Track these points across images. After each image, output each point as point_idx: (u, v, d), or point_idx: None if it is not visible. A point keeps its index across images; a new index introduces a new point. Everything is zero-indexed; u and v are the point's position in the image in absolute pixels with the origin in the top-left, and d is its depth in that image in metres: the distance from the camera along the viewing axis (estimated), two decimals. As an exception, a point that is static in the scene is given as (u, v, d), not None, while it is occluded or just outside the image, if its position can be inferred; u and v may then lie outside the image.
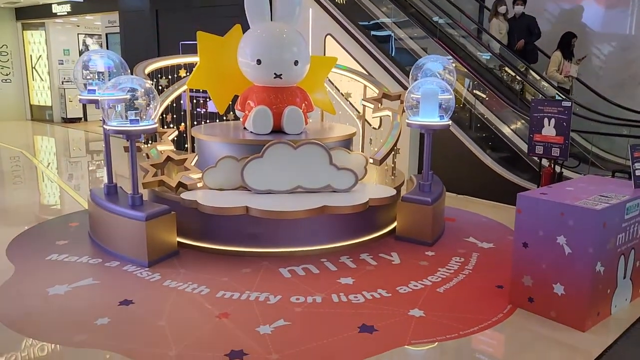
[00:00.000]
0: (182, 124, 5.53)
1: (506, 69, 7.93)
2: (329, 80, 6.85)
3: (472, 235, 4.88)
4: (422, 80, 4.83)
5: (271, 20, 4.85)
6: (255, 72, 4.80)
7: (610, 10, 7.76)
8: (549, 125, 5.27)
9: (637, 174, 3.58)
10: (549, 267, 3.24)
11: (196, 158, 4.82)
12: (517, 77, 7.34)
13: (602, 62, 7.73)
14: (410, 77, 5.14)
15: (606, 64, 7.67)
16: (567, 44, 7.10)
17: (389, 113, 5.29)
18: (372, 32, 7.96)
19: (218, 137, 4.70)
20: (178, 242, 4.26)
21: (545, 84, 7.10)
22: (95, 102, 4.22)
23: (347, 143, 5.03)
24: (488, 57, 8.45)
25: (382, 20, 8.44)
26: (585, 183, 3.72)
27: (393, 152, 5.15)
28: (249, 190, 4.33)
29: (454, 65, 5.25)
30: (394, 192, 4.61)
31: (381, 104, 5.50)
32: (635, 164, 3.59)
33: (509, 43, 7.63)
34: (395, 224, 4.82)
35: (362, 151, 5.69)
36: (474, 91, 7.25)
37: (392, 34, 8.24)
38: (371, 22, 8.47)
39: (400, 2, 8.56)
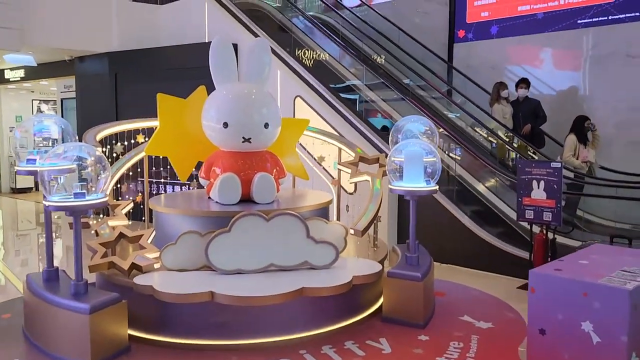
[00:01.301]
0: (140, 194, 4.96)
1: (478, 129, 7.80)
2: (301, 144, 6.47)
3: (467, 312, 4.36)
4: (405, 142, 4.45)
5: (238, 81, 4.47)
6: (221, 136, 4.34)
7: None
8: (539, 188, 4.94)
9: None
10: (572, 358, 2.74)
11: (153, 234, 4.23)
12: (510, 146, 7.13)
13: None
14: (390, 139, 4.77)
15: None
16: (580, 127, 6.64)
17: (368, 178, 4.87)
18: (343, 95, 7.73)
19: (179, 209, 4.14)
20: (130, 335, 3.59)
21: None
22: (35, 174, 3.64)
23: (323, 212, 4.54)
24: (457, 115, 8.32)
25: (353, 83, 8.26)
26: (597, 254, 3.31)
27: (374, 221, 4.68)
28: (214, 271, 3.75)
29: (434, 125, 4.92)
30: (379, 267, 4.10)
31: (358, 168, 5.09)
32: (652, 232, 3.21)
33: (513, 127, 7.38)
34: (381, 301, 4.28)
35: (338, 220, 5.21)
36: (450, 154, 6.98)
37: (364, 97, 8.06)
38: (341, 85, 8.30)
39: (370, 65, 8.43)
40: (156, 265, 3.78)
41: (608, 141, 7.07)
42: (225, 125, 4.24)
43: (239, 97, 4.36)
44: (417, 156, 4.26)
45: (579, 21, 7.88)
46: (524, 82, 7.49)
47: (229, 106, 4.29)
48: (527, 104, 7.43)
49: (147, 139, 4.95)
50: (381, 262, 4.42)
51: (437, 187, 4.27)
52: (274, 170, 4.56)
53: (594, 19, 7.75)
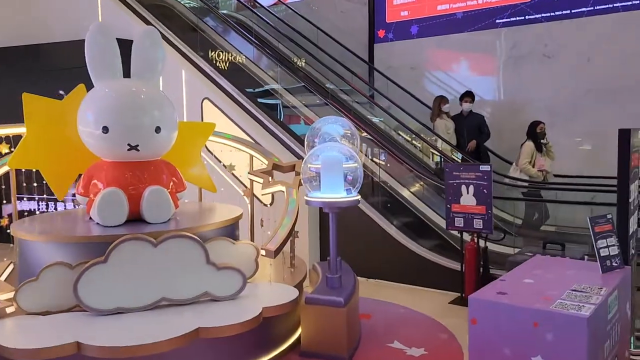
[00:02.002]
0: (4, 217, 4.09)
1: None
2: (209, 150, 5.78)
3: (397, 337, 3.86)
4: (321, 146, 3.90)
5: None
6: (101, 144, 3.59)
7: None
8: (468, 193, 4.55)
9: (602, 255, 2.81)
10: (523, 401, 2.27)
11: (10, 268, 3.40)
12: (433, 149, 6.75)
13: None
14: (305, 144, 4.20)
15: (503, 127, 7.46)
16: (535, 132, 6.30)
17: (283, 188, 4.27)
18: (262, 100, 7.14)
19: (45, 235, 3.34)
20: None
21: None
22: None
23: (231, 229, 3.90)
24: (381, 119, 7.97)
25: (272, 87, 7.69)
26: (540, 268, 2.89)
27: (291, 238, 4.10)
28: (88, 312, 3.00)
29: (354, 127, 4.40)
30: (295, 293, 3.50)
31: (272, 177, 4.49)
32: (599, 242, 2.83)
33: (458, 143, 6.93)
34: (298, 333, 3.69)
35: (253, 237, 4.59)
36: (374, 159, 6.54)
37: (284, 102, 7.51)
38: (259, 89, 7.70)
39: (290, 67, 7.88)
40: (9, 309, 2.98)
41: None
42: (105, 129, 3.50)
43: (122, 96, 3.62)
44: (335, 162, 3.73)
45: (497, 21, 7.74)
46: (468, 96, 7.03)
47: (109, 107, 3.55)
48: (471, 118, 7.01)
49: (13, 148, 4.08)
50: (299, 285, 3.85)
51: (359, 197, 3.74)
52: (171, 182, 3.87)
53: (512, 19, 7.63)
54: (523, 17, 7.52)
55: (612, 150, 6.32)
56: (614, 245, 2.85)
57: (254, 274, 3.66)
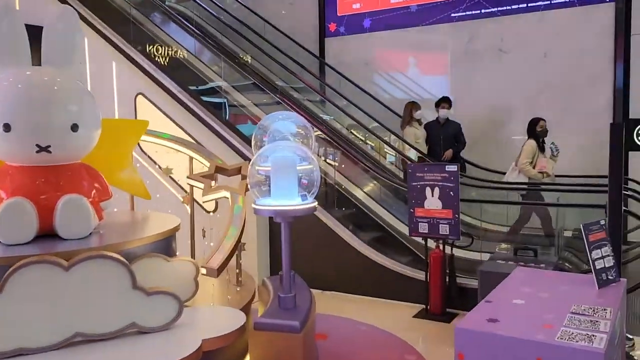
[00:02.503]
0: None
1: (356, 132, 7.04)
2: (143, 152, 5.17)
3: (359, 361, 3.41)
4: (271, 145, 3.39)
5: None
6: (2, 145, 2.95)
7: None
8: (433, 195, 4.16)
9: (598, 268, 2.45)
10: None
11: None
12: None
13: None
14: (252, 143, 3.69)
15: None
16: (535, 131, 5.91)
17: (227, 194, 3.75)
18: (207, 98, 6.57)
19: None
20: None
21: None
22: None
23: (166, 243, 3.34)
24: (332, 117, 7.56)
25: (217, 84, 7.12)
26: (528, 285, 2.50)
27: (237, 251, 3.58)
28: (-21, 356, 2.38)
29: (308, 124, 3.92)
30: (243, 318, 2.99)
31: (215, 182, 3.96)
32: (594, 252, 2.47)
33: (434, 152, 6.46)
34: (247, 362, 3.18)
35: (194, 250, 4.04)
36: (327, 159, 6.10)
37: (231, 100, 6.99)
38: (204, 87, 7.13)
39: (237, 64, 7.33)
40: None
41: (483, 139, 6.67)
42: (7, 127, 2.86)
43: (28, 86, 2.99)
44: (288, 164, 3.23)
45: (452, 14, 7.46)
46: (446, 102, 6.57)
47: (11, 99, 2.91)
48: (448, 126, 6.59)
49: None
50: (247, 306, 3.34)
51: (315, 204, 3.26)
52: (93, 190, 3.26)
53: (467, 12, 7.37)
54: (479, 11, 7.28)
55: (572, 147, 6.17)
56: (609, 255, 2.50)
57: (193, 295, 3.12)
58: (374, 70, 8.02)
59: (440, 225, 4.13)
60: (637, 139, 6.46)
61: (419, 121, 6.61)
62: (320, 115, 7.63)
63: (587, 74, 6.60)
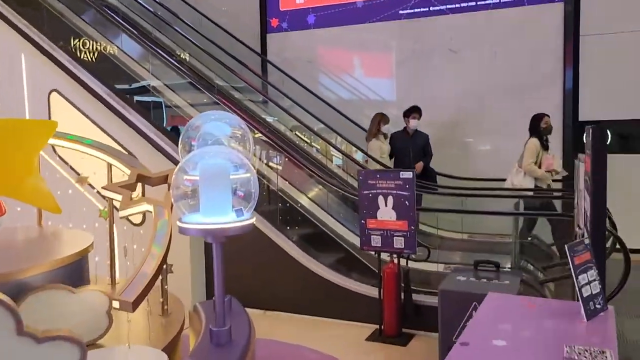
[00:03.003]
0: None
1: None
2: (61, 159, 4.51)
3: (307, 401, 2.95)
4: (201, 150, 2.89)
5: None
6: None
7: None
8: (386, 205, 3.76)
9: (585, 296, 2.09)
10: None
11: None
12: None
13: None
14: (180, 148, 3.15)
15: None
16: (538, 128, 5.50)
17: (150, 207, 3.19)
18: (136, 97, 5.96)
19: None
20: None
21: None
22: None
23: (74, 269, 2.79)
24: (276, 118, 7.11)
25: (149, 83, 6.48)
26: (506, 320, 2.12)
27: (161, 276, 3.03)
28: None
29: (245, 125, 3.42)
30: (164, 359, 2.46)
31: (137, 193, 3.40)
32: (580, 277, 2.11)
33: (403, 165, 5.96)
34: (173, 412, 2.65)
35: (113, 273, 3.45)
36: (270, 163, 5.62)
37: (167, 101, 6.40)
38: (136, 85, 6.49)
39: (174, 61, 6.70)
40: None
41: (434, 142, 6.34)
42: None
43: None
44: (220, 172, 2.73)
45: (400, 11, 7.15)
46: (416, 112, 6.11)
47: None
48: (417, 137, 6.15)
49: None
50: (174, 341, 2.81)
51: (253, 220, 2.76)
52: (-22, 206, 2.65)
53: (415, 10, 7.08)
54: (427, 9, 7.00)
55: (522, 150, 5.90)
56: (595, 280, 2.15)
57: (106, 332, 2.58)
58: (318, 69, 7.60)
59: (395, 238, 3.73)
60: (587, 142, 6.33)
61: (384, 135, 6.18)
62: (263, 116, 7.15)
63: (537, 74, 6.44)
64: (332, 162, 6.92)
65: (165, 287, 3.13)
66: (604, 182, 2.25)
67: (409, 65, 7.12)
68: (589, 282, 2.13)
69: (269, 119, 7.11)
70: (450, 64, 6.87)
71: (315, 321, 4.31)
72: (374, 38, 7.28)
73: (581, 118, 6.36)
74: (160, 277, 3.02)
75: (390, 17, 7.17)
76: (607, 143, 6.31)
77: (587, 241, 2.21)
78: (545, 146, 5.50)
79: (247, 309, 3.32)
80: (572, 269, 2.08)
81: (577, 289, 2.08)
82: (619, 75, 6.24)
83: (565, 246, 2.11)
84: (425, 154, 6.12)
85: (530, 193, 5.32)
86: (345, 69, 7.50)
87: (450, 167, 6.30)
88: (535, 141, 5.49)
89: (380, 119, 6.11)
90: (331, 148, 6.98)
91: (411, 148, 6.04)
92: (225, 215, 2.64)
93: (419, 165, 5.96)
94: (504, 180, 5.68)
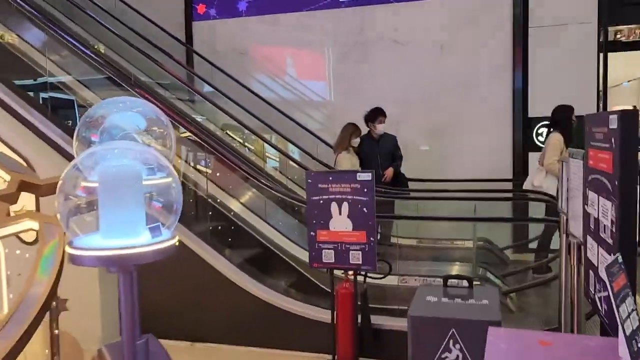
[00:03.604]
0: None
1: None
2: None
3: None
4: (102, 148, 2.16)
5: None
6: None
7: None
8: (340, 213, 3.16)
9: (628, 333, 1.57)
10: None
11: None
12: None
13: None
14: (74, 145, 2.40)
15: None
16: (567, 122, 4.90)
17: (35, 225, 2.41)
18: (41, 93, 5.09)
19: None
20: None
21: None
22: None
23: None
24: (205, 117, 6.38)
25: (58, 78, 5.61)
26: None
27: (51, 317, 2.26)
28: None
29: (165, 117, 2.69)
30: None
31: (22, 206, 2.61)
32: (620, 308, 1.58)
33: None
34: None
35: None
36: (199, 167, 4.89)
37: (76, 98, 5.57)
38: (40, 81, 5.57)
39: (85, 52, 5.80)
40: None
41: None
42: None
43: None
44: (128, 177, 2.01)
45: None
46: (381, 114, 5.52)
47: None
48: (385, 141, 5.58)
49: None
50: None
51: (176, 240, 2.06)
52: None
53: (357, -3, 6.57)
54: (369, -4, 6.50)
55: (473, 147, 5.53)
56: (634, 310, 1.64)
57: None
58: (250, 61, 6.92)
59: (351, 252, 3.13)
60: (537, 139, 6.05)
61: (354, 148, 5.56)
62: (192, 115, 6.38)
63: (486, 68, 6.10)
64: (266, 163, 6.30)
65: (55, 331, 2.35)
66: (635, 181, 1.75)
67: (351, 57, 6.60)
68: (629, 315, 1.62)
69: (199, 119, 6.36)
70: (395, 55, 6.41)
71: (252, 353, 3.60)
72: (312, 27, 6.70)
73: (531, 114, 6.08)
74: (48, 317, 2.25)
75: (330, 6, 6.61)
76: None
77: (620, 259, 1.70)
78: (569, 140, 4.87)
79: (171, 342, 2.62)
80: (612, 300, 1.56)
81: (619, 323, 1.55)
82: (567, 69, 6.01)
83: (604, 269, 1.58)
84: (394, 158, 5.59)
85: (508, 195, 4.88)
86: (280, 62, 6.88)
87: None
88: (558, 136, 4.86)
89: (353, 131, 5.51)
90: (266, 149, 6.34)
91: (379, 153, 5.51)
92: (135, 236, 1.94)
93: (390, 172, 5.45)
94: (467, 181, 5.28)
